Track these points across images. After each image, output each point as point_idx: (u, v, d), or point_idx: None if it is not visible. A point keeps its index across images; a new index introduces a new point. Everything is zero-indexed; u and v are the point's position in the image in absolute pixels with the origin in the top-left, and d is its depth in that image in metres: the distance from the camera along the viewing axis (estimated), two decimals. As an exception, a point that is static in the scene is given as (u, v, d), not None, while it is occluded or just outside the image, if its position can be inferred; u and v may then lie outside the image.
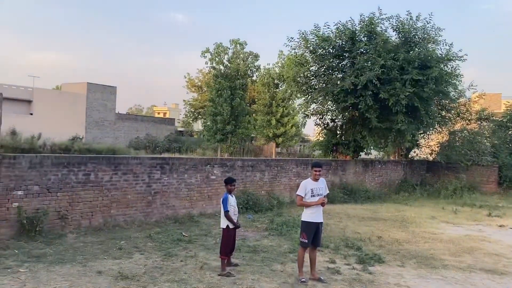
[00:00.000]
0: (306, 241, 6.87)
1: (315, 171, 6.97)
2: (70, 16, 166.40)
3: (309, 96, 18.07)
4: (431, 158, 25.62)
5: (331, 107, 17.91)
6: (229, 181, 7.42)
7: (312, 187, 6.91)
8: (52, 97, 41.31)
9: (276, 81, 36.55)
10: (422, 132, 18.37)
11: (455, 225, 13.24)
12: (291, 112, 35.46)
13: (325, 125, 18.72)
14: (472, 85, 18.08)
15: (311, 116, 17.93)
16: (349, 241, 9.78)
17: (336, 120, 18.37)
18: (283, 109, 35.43)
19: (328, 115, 18.11)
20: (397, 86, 15.71)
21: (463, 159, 22.00)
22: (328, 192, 7.31)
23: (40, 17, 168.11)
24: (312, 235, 6.88)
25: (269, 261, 7.88)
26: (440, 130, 20.46)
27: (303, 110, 18.02)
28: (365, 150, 19.02)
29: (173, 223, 10.71)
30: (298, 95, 18.62)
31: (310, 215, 6.89)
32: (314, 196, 6.88)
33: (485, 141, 23.51)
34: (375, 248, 9.38)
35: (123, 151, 34.83)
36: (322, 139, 18.73)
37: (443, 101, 17.33)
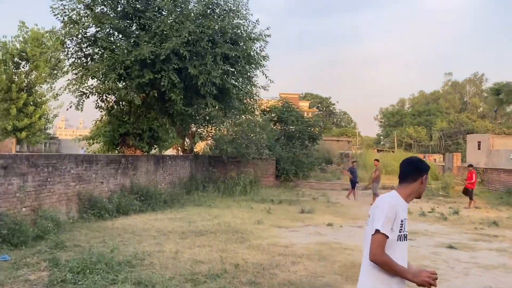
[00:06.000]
0: None
1: (426, 178, 2.91)
2: None
3: (85, 68, 12.93)
4: (205, 152, 23.80)
5: (118, 84, 13.25)
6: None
7: (403, 218, 2.75)
8: None
9: (16, 59, 28.17)
10: (231, 120, 15.74)
11: (288, 229, 11.04)
12: (40, 99, 27.96)
13: (110, 109, 13.84)
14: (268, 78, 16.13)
15: (90, 96, 12.80)
16: (199, 282, 5.96)
17: (124, 103, 13.77)
18: (27, 95, 27.48)
19: (115, 95, 13.34)
20: (209, 61, 12.51)
21: (249, 152, 20.80)
22: None
23: None
24: None
25: None
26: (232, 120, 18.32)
27: (76, 86, 12.71)
28: (164, 142, 15.11)
29: None
30: (69, 66, 13.15)
31: None
32: (401, 239, 2.74)
33: (263, 134, 23.09)
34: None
35: None
36: (105, 128, 13.79)
37: (248, 87, 15.09)
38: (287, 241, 9.28)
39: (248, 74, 14.79)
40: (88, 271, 5.99)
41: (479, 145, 37.30)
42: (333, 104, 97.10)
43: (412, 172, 2.85)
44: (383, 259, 2.58)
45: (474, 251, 9.10)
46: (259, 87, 15.61)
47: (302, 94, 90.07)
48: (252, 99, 16.17)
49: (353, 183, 19.21)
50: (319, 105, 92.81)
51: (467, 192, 17.77)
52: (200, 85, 12.53)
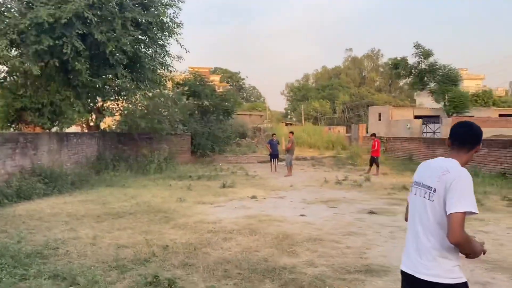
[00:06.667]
0: None
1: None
2: None
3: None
4: (113, 129, 22.20)
5: (11, 52, 11.51)
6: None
7: None
8: None
9: None
10: (144, 92, 14.61)
11: (213, 204, 10.61)
12: None
13: (1, 81, 12.01)
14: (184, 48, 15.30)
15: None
16: (126, 268, 5.36)
17: (19, 74, 12.02)
18: None
19: (7, 64, 11.55)
20: (118, 26, 11.35)
21: (163, 128, 19.77)
22: None
23: None
24: None
25: None
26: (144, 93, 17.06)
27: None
28: (68, 118, 13.57)
29: None
30: None
31: (460, 268, 2.51)
32: None
33: (176, 109, 22.11)
34: (180, 273, 5.39)
35: None
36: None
37: (161, 56, 14.04)
38: (214, 217, 8.87)
39: (162, 42, 13.79)
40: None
41: (379, 116, 39.93)
42: (243, 79, 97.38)
43: (471, 139, 2.60)
44: (466, 238, 2.33)
45: (394, 215, 9.49)
46: (174, 57, 14.66)
47: (212, 68, 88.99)
48: (166, 70, 15.17)
49: (273, 155, 19.35)
50: (229, 79, 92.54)
51: (373, 160, 18.69)
52: (108, 53, 11.36)
